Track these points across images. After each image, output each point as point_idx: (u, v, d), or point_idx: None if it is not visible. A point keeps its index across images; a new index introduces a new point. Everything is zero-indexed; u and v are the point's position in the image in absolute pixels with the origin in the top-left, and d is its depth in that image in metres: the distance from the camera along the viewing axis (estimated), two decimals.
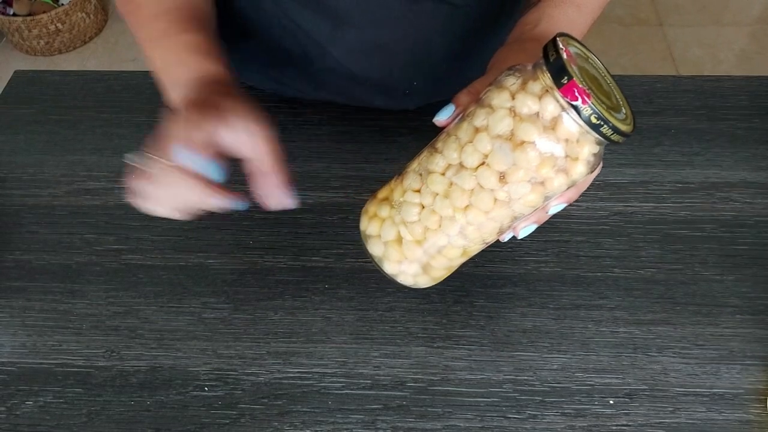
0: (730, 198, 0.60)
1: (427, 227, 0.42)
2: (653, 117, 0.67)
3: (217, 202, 0.42)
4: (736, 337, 0.52)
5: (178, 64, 0.49)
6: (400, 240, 0.43)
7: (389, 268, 0.45)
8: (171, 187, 0.42)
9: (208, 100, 0.44)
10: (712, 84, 0.70)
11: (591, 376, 0.50)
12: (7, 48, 1.98)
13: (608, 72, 0.40)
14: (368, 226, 0.45)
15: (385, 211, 0.44)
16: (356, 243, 0.58)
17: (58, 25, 1.88)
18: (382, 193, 0.45)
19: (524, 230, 0.43)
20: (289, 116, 0.68)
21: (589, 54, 0.40)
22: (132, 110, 0.69)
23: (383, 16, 0.58)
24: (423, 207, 0.42)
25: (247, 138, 0.43)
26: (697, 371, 0.50)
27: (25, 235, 0.59)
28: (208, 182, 0.42)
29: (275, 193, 0.43)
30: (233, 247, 0.58)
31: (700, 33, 1.96)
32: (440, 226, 0.41)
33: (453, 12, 0.60)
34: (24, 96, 0.71)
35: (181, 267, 0.56)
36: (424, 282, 0.46)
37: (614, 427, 0.47)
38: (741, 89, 0.69)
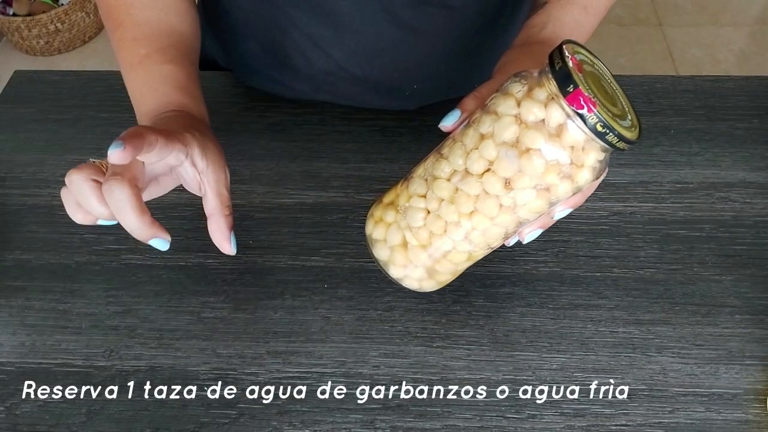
0: (729, 198, 0.60)
1: (433, 232, 0.42)
2: (652, 117, 0.67)
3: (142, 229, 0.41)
4: (735, 337, 0.52)
5: (152, 94, 0.49)
6: (405, 245, 0.43)
7: (395, 272, 0.45)
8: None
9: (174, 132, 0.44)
10: (711, 84, 0.70)
11: (590, 376, 0.50)
12: (7, 48, 1.98)
13: (614, 79, 0.40)
14: (374, 230, 0.45)
15: (390, 216, 0.44)
16: (356, 243, 0.58)
17: (57, 25, 1.88)
18: (387, 198, 0.45)
19: (529, 235, 0.43)
20: (289, 116, 0.68)
21: (596, 61, 0.40)
22: (132, 110, 0.69)
23: (384, 21, 0.58)
24: (428, 212, 0.42)
25: (199, 176, 0.45)
26: (695, 371, 0.50)
27: (24, 235, 0.59)
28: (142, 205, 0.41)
29: (215, 235, 0.46)
30: None
31: (699, 33, 1.96)
32: (445, 231, 0.41)
33: (452, 15, 0.60)
34: (24, 96, 0.71)
35: (180, 266, 0.56)
36: (429, 286, 0.46)
37: (613, 427, 0.47)
38: (740, 89, 0.69)
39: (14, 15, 1.85)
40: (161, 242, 0.43)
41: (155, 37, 0.51)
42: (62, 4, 1.88)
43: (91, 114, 0.69)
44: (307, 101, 0.68)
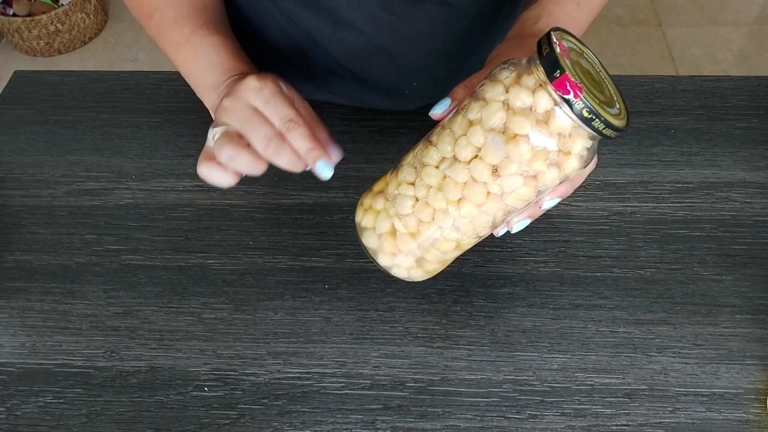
0: (729, 198, 0.60)
1: (421, 220, 0.42)
2: (652, 117, 0.67)
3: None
4: (735, 336, 0.52)
5: (210, 67, 0.50)
6: (394, 232, 0.43)
7: (383, 260, 0.45)
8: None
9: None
10: (711, 84, 0.70)
11: (590, 376, 0.50)
12: (7, 48, 1.98)
13: (603, 67, 0.40)
14: (363, 218, 0.45)
15: (379, 204, 0.44)
16: (356, 243, 0.58)
17: (57, 25, 1.88)
18: (377, 186, 0.45)
19: (518, 225, 0.43)
20: None
21: (584, 49, 0.40)
22: (132, 110, 0.69)
23: (383, 18, 0.58)
24: (417, 200, 0.42)
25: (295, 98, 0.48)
26: (696, 371, 0.50)
27: (25, 236, 0.59)
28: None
29: (319, 138, 0.46)
30: (233, 248, 0.58)
31: (699, 33, 1.96)
32: (434, 218, 0.41)
33: (450, 13, 0.60)
34: (24, 96, 0.71)
35: (181, 267, 0.56)
36: (417, 275, 0.46)
37: (614, 427, 0.47)
38: (740, 89, 0.69)
39: (14, 15, 1.85)
40: (326, 166, 0.44)
41: (194, 15, 0.53)
42: (62, 5, 1.88)
43: (91, 115, 0.69)
44: (307, 101, 0.68)
